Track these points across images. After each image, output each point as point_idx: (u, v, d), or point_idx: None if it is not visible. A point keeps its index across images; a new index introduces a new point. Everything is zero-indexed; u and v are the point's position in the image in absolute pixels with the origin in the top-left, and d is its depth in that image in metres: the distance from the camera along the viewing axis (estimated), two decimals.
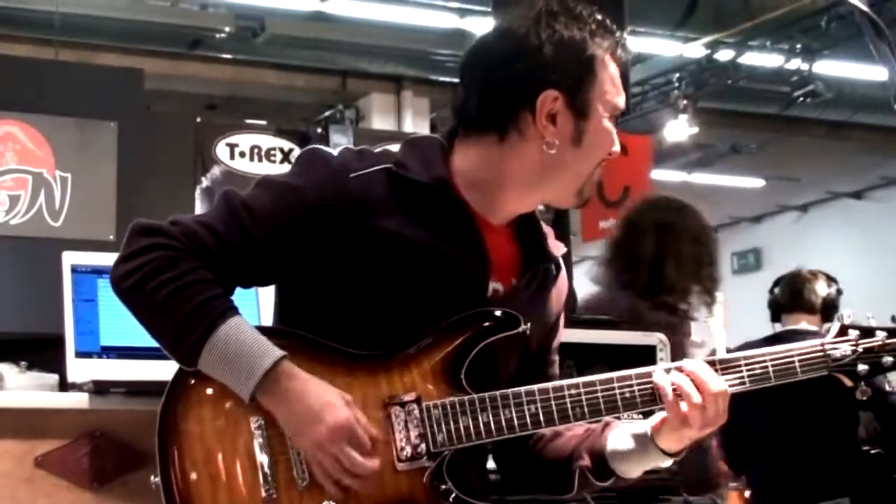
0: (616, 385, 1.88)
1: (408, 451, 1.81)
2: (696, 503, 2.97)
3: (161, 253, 1.80)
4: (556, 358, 2.11)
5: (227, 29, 8.04)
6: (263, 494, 1.79)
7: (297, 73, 9.06)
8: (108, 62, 7.46)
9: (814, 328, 4.16)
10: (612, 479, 1.97)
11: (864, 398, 1.92)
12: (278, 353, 1.79)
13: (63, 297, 2.69)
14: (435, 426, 1.82)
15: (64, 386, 2.60)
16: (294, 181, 1.87)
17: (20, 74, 4.76)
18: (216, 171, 5.10)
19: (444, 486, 1.83)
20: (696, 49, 8.74)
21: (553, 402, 1.86)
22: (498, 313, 1.88)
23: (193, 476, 1.80)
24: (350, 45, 8.42)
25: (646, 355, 2.83)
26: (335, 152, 1.91)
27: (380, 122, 9.35)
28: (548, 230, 2.06)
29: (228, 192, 1.88)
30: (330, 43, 8.41)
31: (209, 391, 1.83)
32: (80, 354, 2.65)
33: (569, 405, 1.86)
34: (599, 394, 1.87)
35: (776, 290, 4.44)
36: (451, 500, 1.82)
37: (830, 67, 8.72)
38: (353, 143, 5.10)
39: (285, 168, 2.15)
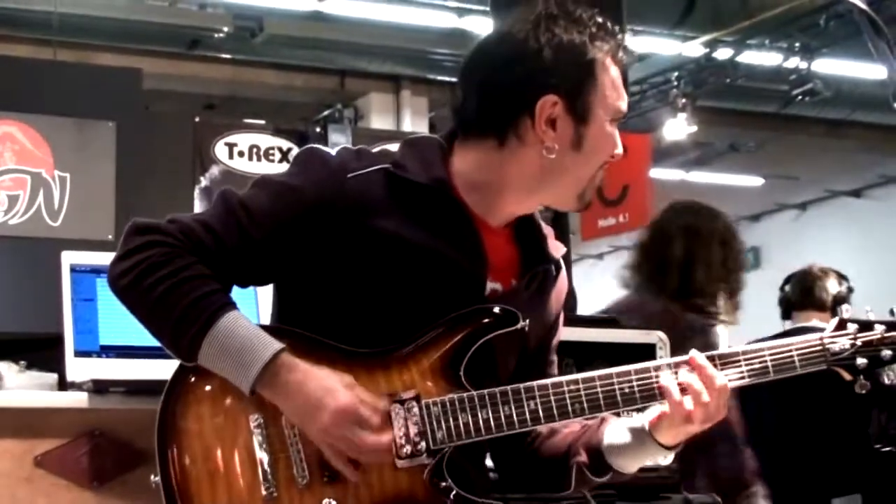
0: (615, 381, 1.88)
1: (407, 448, 1.81)
2: (696, 501, 2.96)
3: (157, 250, 1.80)
4: (555, 358, 2.11)
5: (225, 29, 8.05)
6: (263, 493, 1.79)
7: (295, 72, 9.07)
8: (107, 62, 7.47)
9: (824, 325, 4.16)
10: (609, 474, 1.97)
11: (864, 392, 1.92)
12: (278, 345, 1.79)
13: (62, 296, 2.69)
14: (434, 423, 1.82)
15: (63, 385, 2.60)
16: (292, 181, 1.87)
17: (19, 74, 4.74)
18: (215, 170, 5.08)
19: (444, 483, 1.82)
20: (694, 48, 8.75)
21: (552, 399, 1.86)
22: (496, 310, 1.88)
23: (193, 475, 1.80)
24: (348, 44, 8.42)
25: (645, 353, 2.82)
26: (333, 152, 1.90)
27: (378, 121, 9.36)
28: (548, 231, 2.05)
29: (226, 191, 1.88)
30: (328, 42, 8.42)
31: (208, 389, 1.83)
32: (80, 354, 2.66)
33: (568, 401, 1.86)
34: (599, 389, 1.87)
35: (787, 288, 4.42)
36: (451, 497, 1.82)
37: (829, 66, 8.73)
38: (352, 142, 5.10)
39: (284, 167, 2.14)
